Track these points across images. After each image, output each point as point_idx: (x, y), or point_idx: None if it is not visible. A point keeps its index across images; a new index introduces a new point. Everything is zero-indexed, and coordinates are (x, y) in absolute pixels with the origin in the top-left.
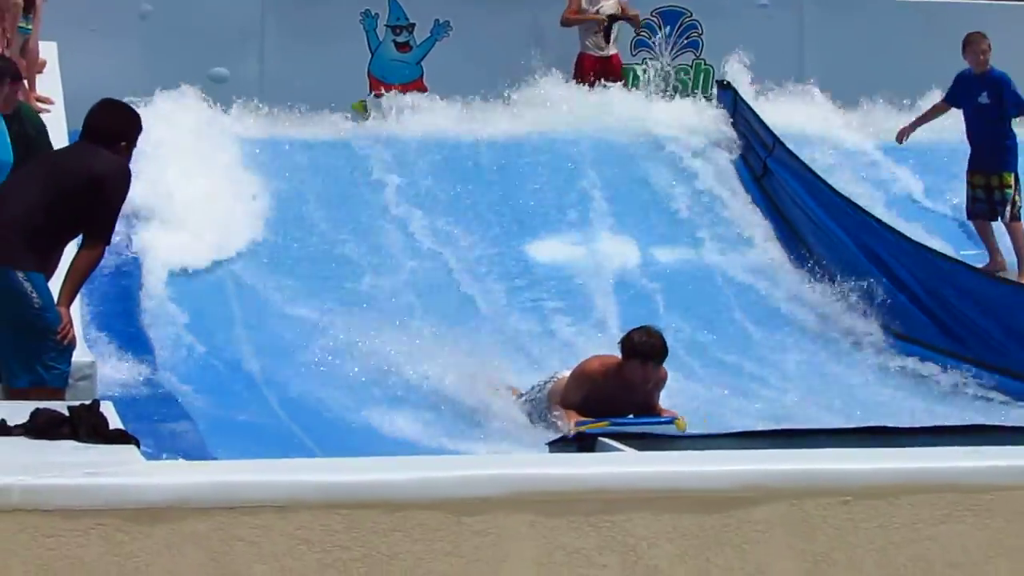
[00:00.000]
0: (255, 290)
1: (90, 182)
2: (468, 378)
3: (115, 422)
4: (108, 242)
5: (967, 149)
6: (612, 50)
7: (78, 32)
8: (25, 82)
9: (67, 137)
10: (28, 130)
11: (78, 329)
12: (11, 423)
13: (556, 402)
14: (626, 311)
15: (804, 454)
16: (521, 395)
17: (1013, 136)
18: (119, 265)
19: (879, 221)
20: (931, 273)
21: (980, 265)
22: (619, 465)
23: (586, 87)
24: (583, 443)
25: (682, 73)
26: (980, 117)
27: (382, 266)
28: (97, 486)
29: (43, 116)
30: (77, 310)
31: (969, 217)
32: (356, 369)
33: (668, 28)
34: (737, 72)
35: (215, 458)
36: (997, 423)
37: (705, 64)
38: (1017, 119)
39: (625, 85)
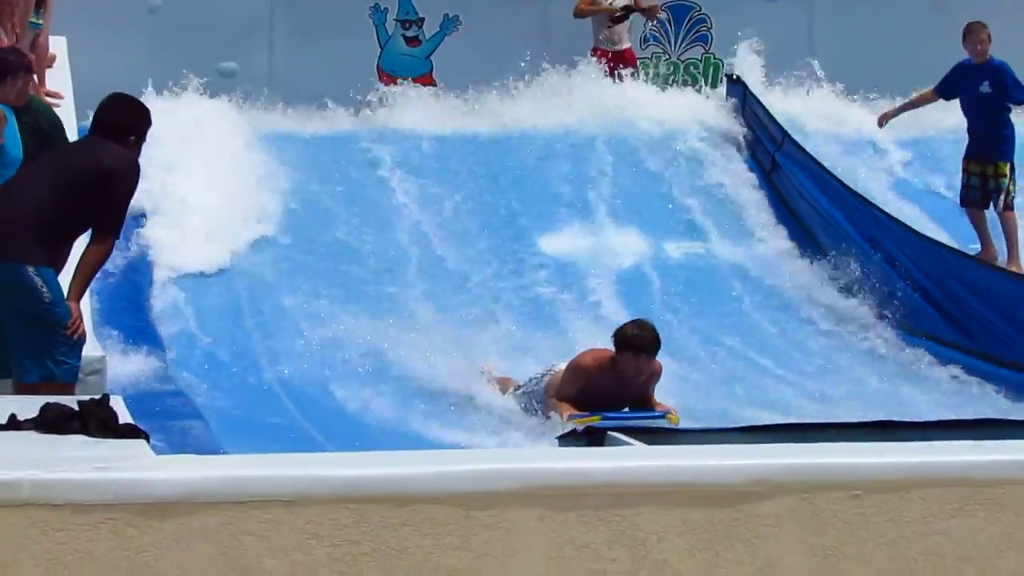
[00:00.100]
0: (264, 285)
1: (99, 177)
2: (478, 373)
3: (125, 417)
4: (118, 236)
5: None
6: (625, 44)
7: (88, 27)
8: (35, 77)
9: (76, 132)
10: (42, 123)
11: (88, 324)
12: (21, 417)
13: (552, 395)
14: (633, 304)
15: (814, 448)
16: (519, 387)
17: (1011, 126)
18: (129, 260)
19: (888, 215)
20: (939, 267)
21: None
22: (628, 459)
23: (600, 79)
24: (592, 437)
25: (691, 67)
26: (981, 106)
27: (391, 261)
28: (107, 480)
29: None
30: (87, 305)
31: (962, 204)
32: (365, 364)
33: (677, 22)
34: (747, 66)
35: (224, 452)
36: (1006, 417)
37: (714, 58)
38: (1017, 109)
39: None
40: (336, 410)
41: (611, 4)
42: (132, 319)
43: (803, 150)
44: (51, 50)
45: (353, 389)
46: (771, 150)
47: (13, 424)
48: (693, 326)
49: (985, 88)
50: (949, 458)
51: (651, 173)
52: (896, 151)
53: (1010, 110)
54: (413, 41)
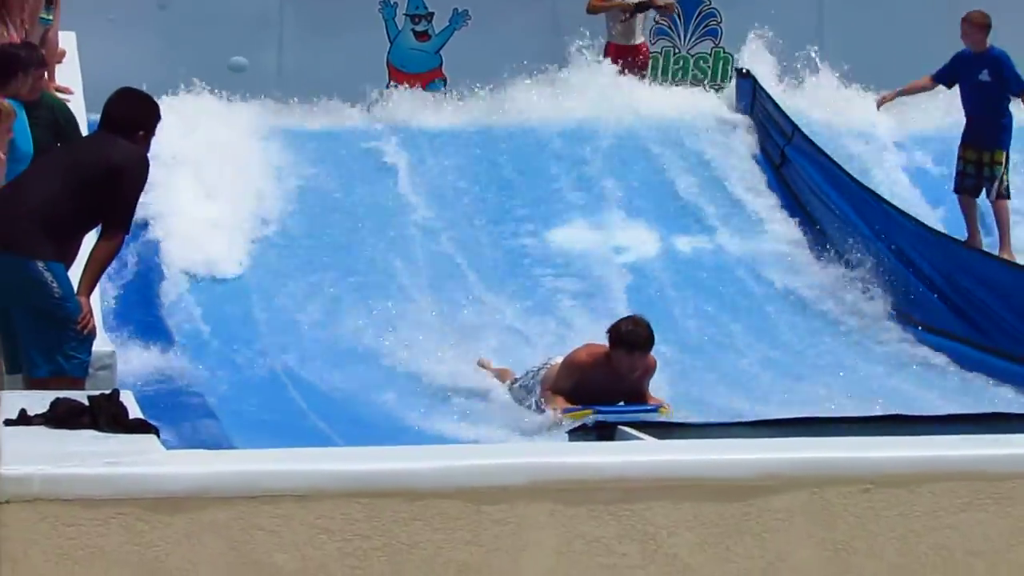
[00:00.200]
0: (274, 279)
1: (109, 172)
2: (475, 366)
3: (135, 412)
4: (127, 232)
5: None
6: (639, 39)
7: (97, 22)
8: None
9: (86, 127)
10: (59, 118)
11: (98, 319)
12: (31, 413)
13: (548, 388)
14: (642, 300)
15: (824, 442)
16: (516, 380)
17: (1009, 115)
18: (139, 255)
19: (898, 209)
20: (950, 261)
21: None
22: (639, 454)
23: (610, 74)
24: (602, 432)
25: (701, 61)
26: (980, 94)
27: (399, 255)
28: (117, 475)
29: None
30: (97, 300)
31: (956, 191)
32: (374, 359)
33: (686, 16)
34: (756, 60)
35: (234, 447)
36: (1017, 411)
37: (724, 52)
38: (1016, 98)
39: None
40: (347, 405)
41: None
42: (142, 314)
43: (813, 144)
44: (61, 45)
45: (363, 385)
46: (781, 144)
47: (23, 419)
48: (701, 320)
49: (984, 77)
50: (959, 452)
51: (660, 167)
52: (906, 145)
53: (1009, 100)
54: (423, 36)
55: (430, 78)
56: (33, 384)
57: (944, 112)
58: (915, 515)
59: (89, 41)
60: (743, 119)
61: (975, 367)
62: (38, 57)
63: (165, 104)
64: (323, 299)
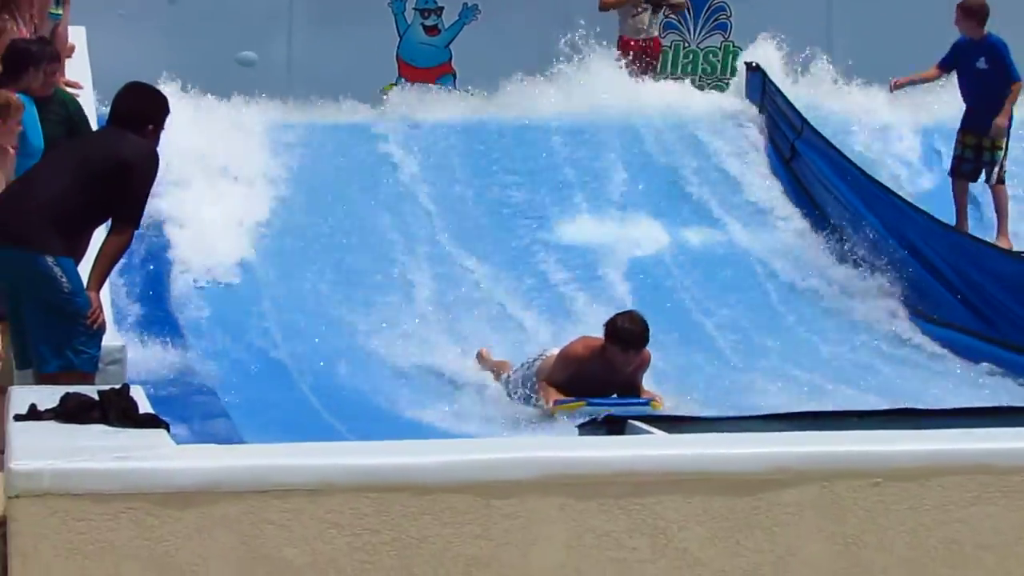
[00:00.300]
0: (282, 273)
1: (118, 167)
2: (486, 361)
3: (145, 406)
4: (137, 226)
5: None
6: (653, 33)
7: (107, 16)
8: None
9: (96, 121)
10: (72, 114)
11: (108, 313)
12: (41, 407)
13: (543, 379)
14: (653, 294)
15: (834, 436)
16: (513, 370)
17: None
18: (148, 249)
19: (908, 203)
20: (960, 255)
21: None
22: (649, 448)
23: (619, 68)
24: (612, 426)
25: (710, 55)
26: (977, 82)
27: (407, 250)
28: (127, 470)
29: None
30: (107, 295)
31: (951, 174)
32: (384, 354)
33: (696, 10)
34: (766, 54)
35: (244, 442)
36: None
37: (733, 46)
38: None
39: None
40: (356, 400)
41: None
42: (152, 308)
43: (823, 137)
44: (70, 40)
45: (372, 378)
46: (791, 137)
47: (33, 414)
48: (709, 313)
49: (981, 64)
50: (969, 446)
51: (669, 161)
52: (916, 139)
53: (1008, 86)
54: (432, 30)
55: (439, 72)
56: (43, 379)
57: (957, 107)
58: (925, 509)
59: (99, 36)
60: (752, 112)
61: (985, 360)
62: (50, 52)
63: (174, 99)
64: (331, 294)
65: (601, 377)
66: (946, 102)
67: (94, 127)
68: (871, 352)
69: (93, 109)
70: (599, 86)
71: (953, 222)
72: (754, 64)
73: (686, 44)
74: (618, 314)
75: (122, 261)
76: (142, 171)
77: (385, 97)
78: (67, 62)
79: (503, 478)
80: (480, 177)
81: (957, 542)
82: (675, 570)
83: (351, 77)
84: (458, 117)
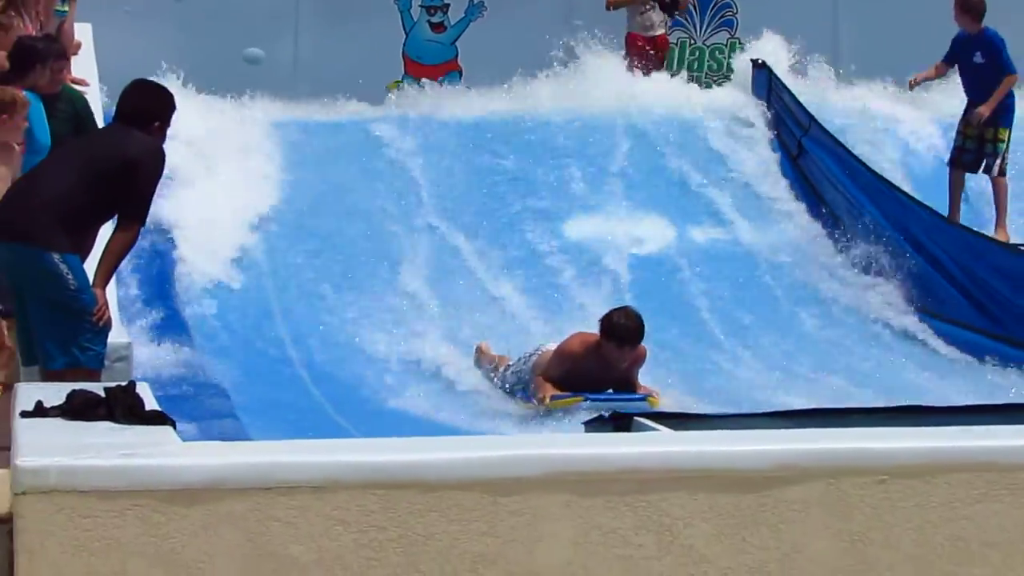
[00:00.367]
0: (288, 270)
1: (124, 165)
2: (485, 355)
3: (151, 403)
4: (143, 224)
5: None
6: (659, 30)
7: (113, 13)
8: None
9: (102, 119)
10: (79, 111)
11: (114, 311)
12: (48, 404)
13: (539, 374)
14: (659, 290)
15: (840, 433)
16: (509, 365)
17: (1011, 94)
18: (155, 247)
19: (914, 199)
20: (966, 252)
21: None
22: (654, 445)
23: (627, 66)
24: (618, 423)
25: (716, 52)
26: (975, 76)
27: (412, 246)
28: (133, 467)
29: None
30: (113, 292)
31: (950, 164)
32: (389, 351)
33: (702, 7)
34: (772, 51)
35: (250, 439)
36: None
37: (740, 43)
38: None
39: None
40: (362, 397)
41: None
42: (158, 306)
43: (829, 135)
44: (76, 37)
45: (378, 375)
46: (797, 135)
47: (39, 411)
48: (716, 310)
49: (978, 58)
50: (975, 443)
51: (675, 159)
52: (924, 135)
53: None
54: (438, 27)
55: (445, 70)
56: (49, 376)
57: (959, 102)
58: (931, 506)
59: (105, 33)
60: (759, 109)
61: (991, 356)
62: (57, 50)
63: (180, 96)
64: (337, 292)
65: (597, 373)
66: (949, 97)
67: (100, 124)
68: (877, 349)
69: (99, 106)
70: (606, 82)
71: (946, 212)
72: (760, 61)
73: (692, 41)
74: (613, 310)
75: (128, 258)
76: (148, 168)
77: (391, 94)
78: (73, 59)
79: (509, 475)
80: (486, 174)
81: (963, 539)
82: (681, 567)
83: (357, 74)
84: (464, 114)
